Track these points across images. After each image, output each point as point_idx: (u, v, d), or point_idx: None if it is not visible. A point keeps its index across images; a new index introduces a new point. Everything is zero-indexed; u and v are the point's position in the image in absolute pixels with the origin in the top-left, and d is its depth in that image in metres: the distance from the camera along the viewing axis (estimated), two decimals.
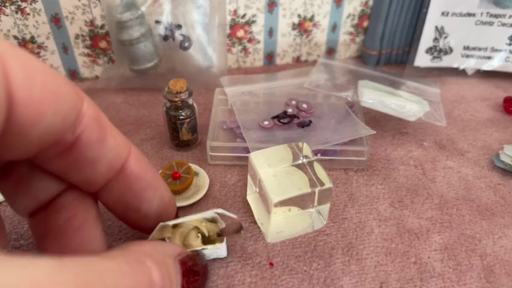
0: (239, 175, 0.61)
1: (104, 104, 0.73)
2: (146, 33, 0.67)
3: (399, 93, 0.67)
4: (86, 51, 0.74)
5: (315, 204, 0.51)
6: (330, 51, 0.84)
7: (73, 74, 0.76)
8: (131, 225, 0.33)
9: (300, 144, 0.54)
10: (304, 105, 0.66)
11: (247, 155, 0.59)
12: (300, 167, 0.52)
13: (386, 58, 0.83)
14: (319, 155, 0.62)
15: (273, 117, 0.64)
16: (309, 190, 0.49)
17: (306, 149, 0.54)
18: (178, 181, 0.56)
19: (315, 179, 0.50)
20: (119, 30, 0.67)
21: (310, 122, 0.64)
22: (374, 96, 0.64)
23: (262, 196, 0.51)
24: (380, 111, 0.64)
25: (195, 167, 0.60)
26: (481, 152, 0.66)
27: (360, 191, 0.59)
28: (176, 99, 0.59)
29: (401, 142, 0.67)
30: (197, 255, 0.30)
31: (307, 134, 0.63)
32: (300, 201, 0.50)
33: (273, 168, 0.52)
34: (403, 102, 0.63)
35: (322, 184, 0.49)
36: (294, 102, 0.67)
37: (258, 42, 0.79)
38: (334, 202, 0.57)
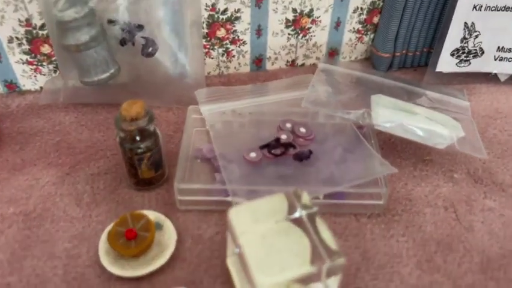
0: (217, 225, 0.46)
1: (50, 124, 0.58)
2: (98, 36, 0.52)
3: (422, 112, 0.52)
4: (25, 57, 0.58)
5: (322, 279, 0.37)
6: (332, 53, 0.69)
7: (11, 86, 0.61)
8: None
9: (298, 191, 0.40)
10: (302, 129, 0.52)
11: (228, 199, 0.45)
12: (297, 222, 0.38)
13: (401, 61, 0.68)
14: (321, 197, 0.47)
15: (262, 147, 0.50)
16: (312, 269, 0.34)
17: (306, 197, 0.39)
18: (134, 242, 0.42)
19: (320, 245, 0.36)
20: (61, 32, 0.52)
21: (311, 152, 0.50)
22: (392, 117, 0.49)
23: (245, 270, 0.36)
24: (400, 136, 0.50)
25: (158, 216, 0.46)
26: None
27: (376, 247, 0.45)
28: (132, 128, 0.44)
29: (425, 174, 0.53)
30: None
31: (307, 169, 0.48)
32: (302, 278, 0.36)
33: (262, 225, 0.38)
34: (430, 126, 0.49)
35: (332, 255, 0.35)
36: (289, 125, 0.52)
37: (244, 43, 0.64)
38: None
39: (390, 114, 0.50)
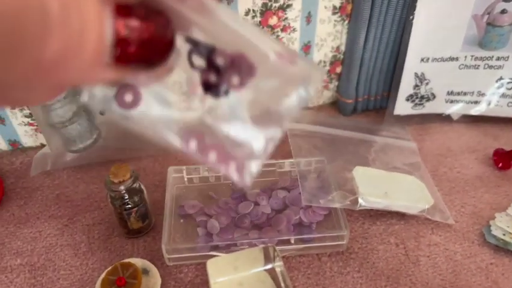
0: (197, 269, 0.53)
1: (50, 179, 0.65)
2: (79, 110, 0.58)
3: (398, 179, 0.60)
4: (26, 120, 0.66)
5: None
6: None
7: (14, 144, 0.68)
8: None
9: (274, 246, 0.47)
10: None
11: (212, 253, 0.52)
12: (271, 273, 0.46)
13: (363, 105, 0.75)
14: (292, 241, 0.54)
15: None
16: None
17: (278, 252, 0.47)
18: None
19: None
20: (47, 113, 0.58)
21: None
22: (378, 198, 0.56)
23: None
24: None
25: (145, 263, 0.53)
26: (471, 221, 0.58)
27: (334, 283, 0.52)
28: (120, 189, 0.52)
29: (380, 213, 0.59)
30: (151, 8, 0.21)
31: (279, 217, 0.56)
32: None
33: (241, 274, 0.45)
34: (408, 202, 0.57)
35: None
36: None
37: None
38: None
39: (374, 193, 0.56)
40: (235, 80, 0.24)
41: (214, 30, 0.23)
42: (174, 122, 0.25)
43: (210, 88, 0.25)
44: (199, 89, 0.25)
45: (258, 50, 0.23)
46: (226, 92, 0.24)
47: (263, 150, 0.25)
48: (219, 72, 0.24)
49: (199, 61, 0.24)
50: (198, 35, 0.23)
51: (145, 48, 0.21)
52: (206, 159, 0.25)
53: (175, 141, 0.25)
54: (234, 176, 0.26)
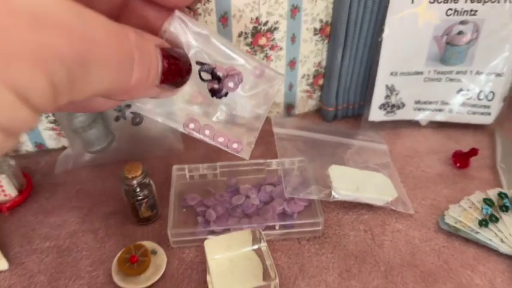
0: (196, 250, 0.63)
1: (71, 176, 0.76)
2: (97, 117, 0.70)
3: (368, 176, 0.70)
4: (51, 125, 0.76)
5: None
6: (289, 108, 0.87)
7: (39, 146, 0.79)
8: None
9: (260, 230, 0.57)
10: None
11: (209, 237, 0.62)
12: (257, 252, 0.55)
13: (343, 112, 0.86)
14: (277, 227, 0.64)
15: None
16: (264, 284, 0.51)
17: (263, 235, 0.56)
18: (136, 264, 0.59)
19: (270, 269, 0.53)
20: (70, 121, 0.69)
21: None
22: (348, 192, 0.66)
23: (212, 285, 0.54)
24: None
25: (153, 245, 0.63)
26: (429, 211, 0.69)
27: (311, 262, 0.62)
28: (133, 183, 0.62)
29: (353, 205, 0.69)
30: (177, 49, 0.32)
31: (265, 207, 0.66)
32: None
33: (233, 253, 0.55)
34: (374, 195, 0.66)
35: (277, 277, 0.52)
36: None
37: None
38: (285, 275, 0.60)
39: (346, 188, 0.66)
40: (231, 85, 0.35)
41: (213, 53, 0.34)
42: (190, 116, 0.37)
43: (214, 93, 0.36)
44: (208, 94, 0.36)
45: (242, 64, 0.35)
46: (226, 94, 0.35)
47: (256, 128, 0.38)
48: (219, 81, 0.35)
49: (206, 75, 0.35)
50: (204, 58, 0.35)
51: (177, 75, 0.32)
52: (217, 142, 0.37)
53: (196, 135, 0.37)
54: (237, 153, 0.38)
